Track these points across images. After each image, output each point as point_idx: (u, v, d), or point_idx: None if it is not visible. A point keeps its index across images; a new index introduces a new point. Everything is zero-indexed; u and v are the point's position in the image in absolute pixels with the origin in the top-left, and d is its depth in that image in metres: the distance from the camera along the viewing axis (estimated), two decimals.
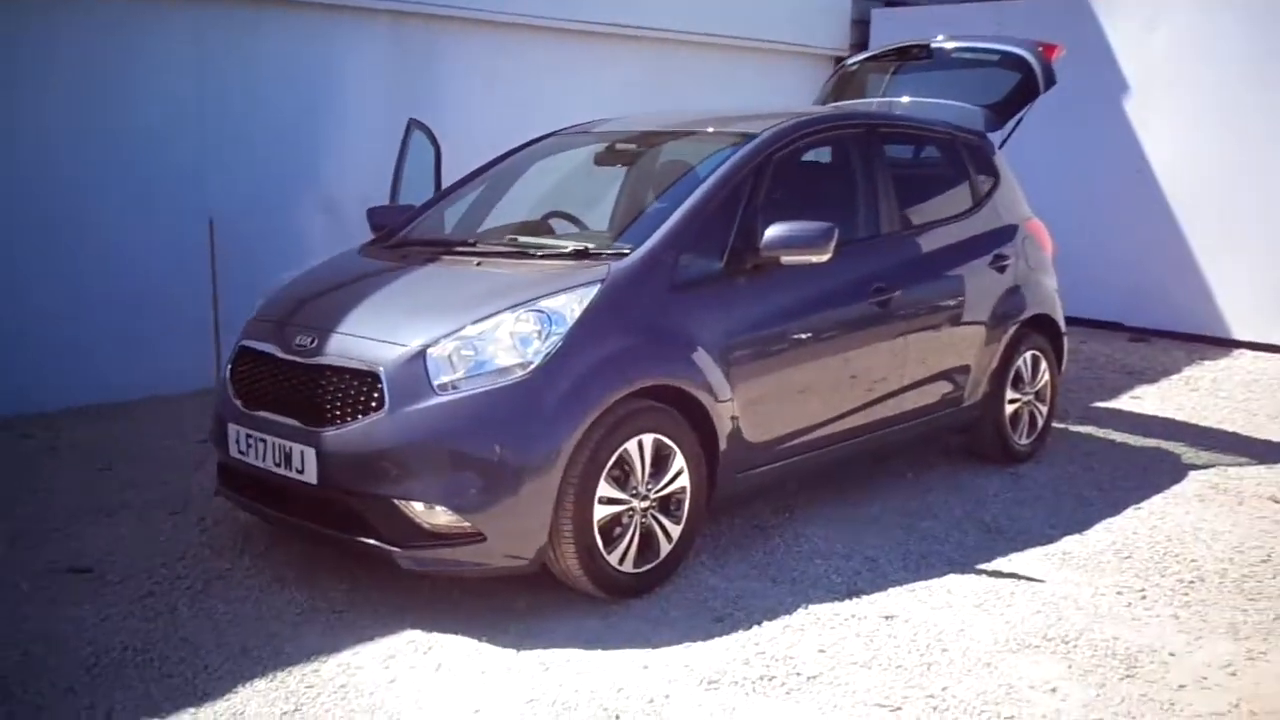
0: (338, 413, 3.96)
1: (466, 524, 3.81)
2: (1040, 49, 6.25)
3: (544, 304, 4.02)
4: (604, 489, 3.96)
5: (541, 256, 4.43)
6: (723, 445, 4.37)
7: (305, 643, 3.79)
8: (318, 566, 4.37)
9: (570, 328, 3.97)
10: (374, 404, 3.89)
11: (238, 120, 7.13)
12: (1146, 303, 9.60)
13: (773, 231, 4.43)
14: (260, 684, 3.51)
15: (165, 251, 6.90)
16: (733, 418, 4.39)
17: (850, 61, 7.08)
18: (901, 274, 5.14)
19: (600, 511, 3.96)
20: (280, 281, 4.75)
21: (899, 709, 3.47)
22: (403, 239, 5.02)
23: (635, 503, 4.07)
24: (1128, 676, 3.72)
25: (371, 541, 3.91)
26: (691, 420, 4.26)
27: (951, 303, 5.44)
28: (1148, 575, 4.56)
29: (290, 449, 4.01)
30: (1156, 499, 5.49)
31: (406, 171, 6.34)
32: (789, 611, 4.08)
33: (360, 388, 3.94)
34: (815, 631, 3.94)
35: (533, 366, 3.88)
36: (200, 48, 6.94)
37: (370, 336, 4.05)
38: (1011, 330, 5.75)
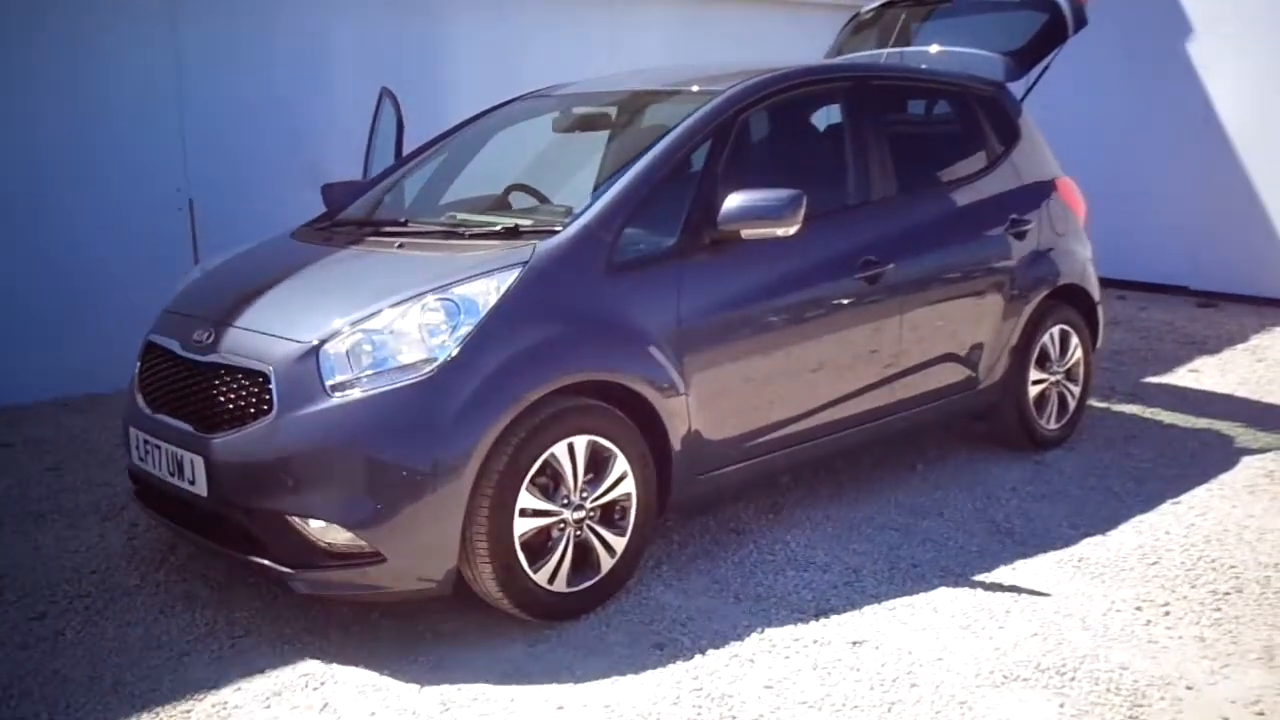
0: (227, 417, 3.54)
1: (363, 543, 3.37)
2: None
3: (456, 291, 3.54)
4: (526, 499, 3.48)
5: (471, 236, 3.95)
6: (675, 446, 3.86)
7: (188, 675, 3.38)
8: (237, 583, 3.97)
9: (483, 317, 3.49)
10: (265, 407, 3.46)
11: (216, 97, 6.74)
12: (1215, 265, 8.85)
13: (731, 202, 3.90)
14: None
15: (142, 237, 6.55)
16: (688, 414, 3.88)
17: (866, 9, 6.46)
18: (897, 245, 4.55)
19: (522, 525, 3.49)
20: (201, 268, 4.33)
21: None
22: (339, 219, 4.57)
23: (567, 514, 3.59)
24: (1131, 718, 3.15)
25: (265, 562, 3.48)
26: (637, 418, 3.76)
27: (958, 275, 4.84)
28: (1175, 585, 3.96)
29: (182, 457, 3.61)
30: (1199, 491, 4.86)
31: (378, 143, 5.90)
32: (742, 637, 3.58)
33: (251, 389, 3.51)
34: (766, 662, 3.43)
35: (436, 363, 3.41)
36: (174, 20, 6.57)
37: (265, 331, 3.61)
38: (1034, 303, 5.13)
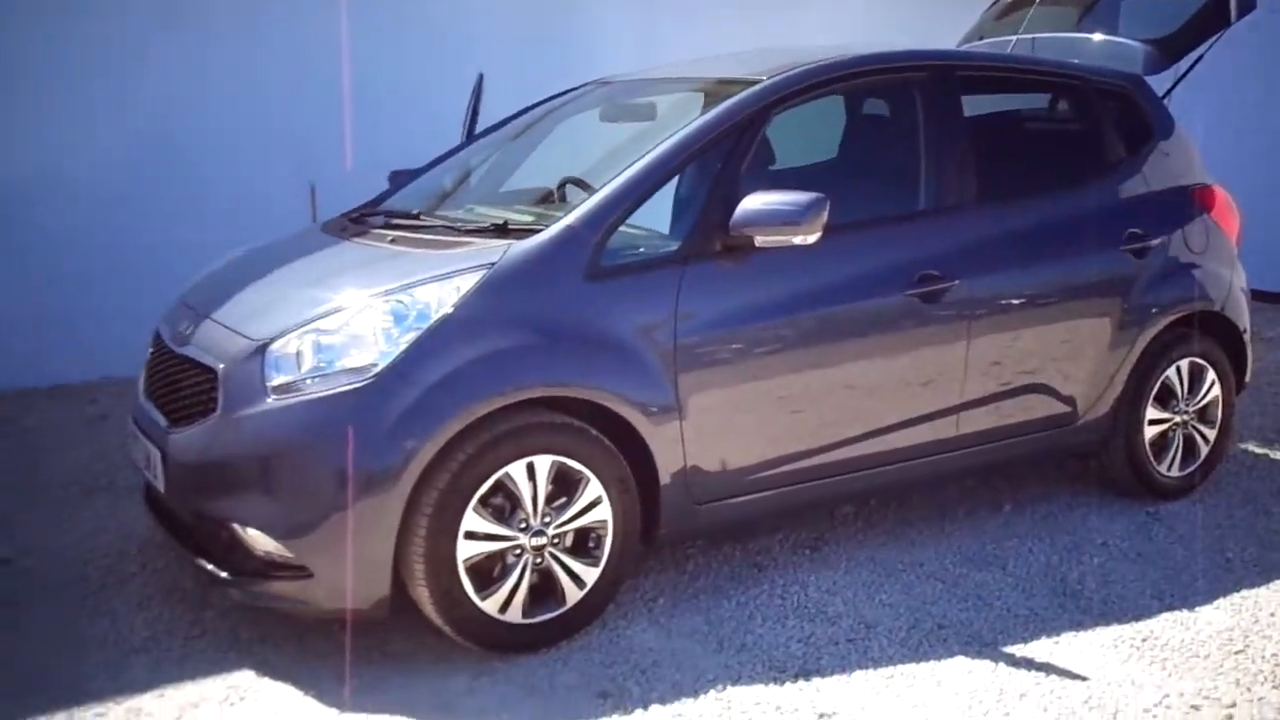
0: (186, 413, 3.44)
1: (290, 554, 3.19)
2: None
3: (412, 293, 3.30)
4: (473, 521, 3.22)
5: (465, 233, 3.71)
6: (665, 472, 3.51)
7: (123, 676, 3.29)
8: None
9: (433, 322, 3.24)
10: (212, 406, 3.33)
11: (341, 85, 6.77)
12: None
13: (745, 205, 3.51)
14: None
15: (264, 221, 6.61)
16: (681, 439, 3.52)
17: None
18: (967, 259, 4.02)
19: (468, 549, 3.23)
20: (226, 257, 4.26)
21: None
22: (371, 210, 4.41)
23: (524, 539, 3.31)
24: None
25: (206, 565, 3.36)
26: (621, 440, 3.44)
27: (1050, 296, 4.25)
28: (1253, 682, 3.32)
29: (149, 449, 3.54)
30: None
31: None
32: (699, 693, 3.20)
33: (205, 386, 3.39)
34: None
35: (378, 369, 3.18)
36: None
37: (229, 326, 3.49)
38: (1153, 331, 4.46)
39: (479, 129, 5.19)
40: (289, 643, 3.47)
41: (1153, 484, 4.61)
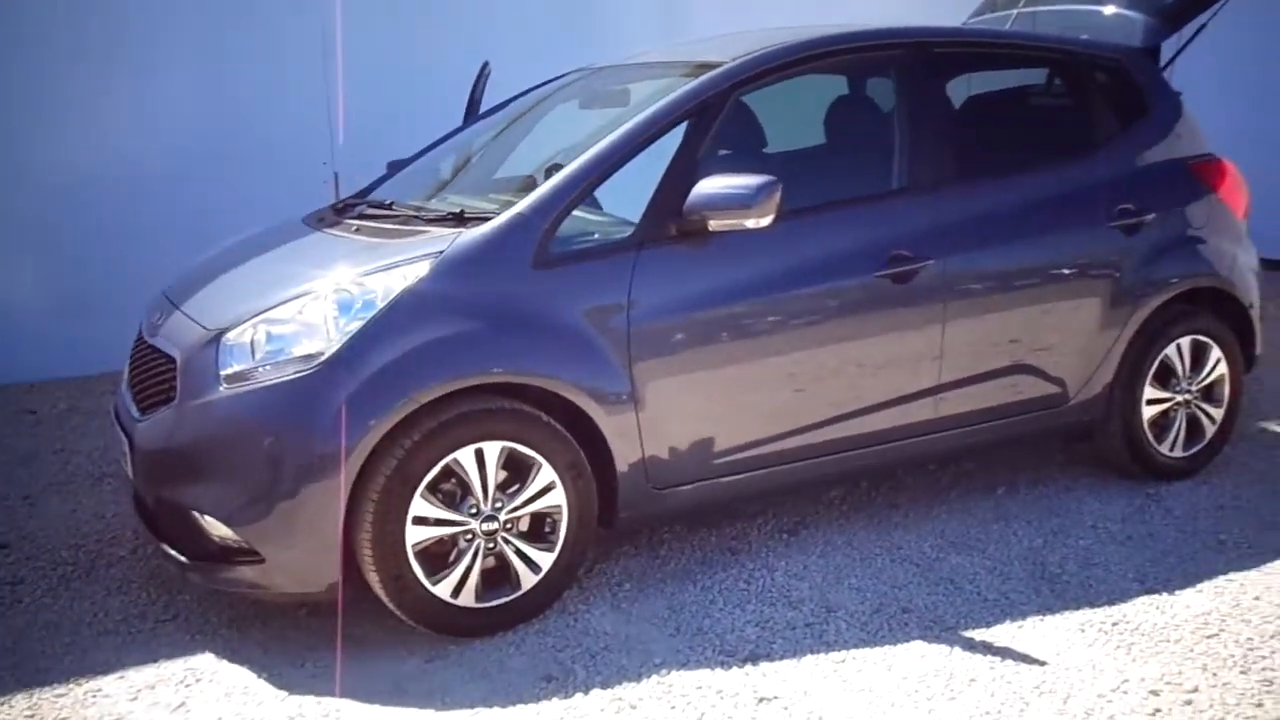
0: (152, 402, 3.53)
1: (243, 540, 3.26)
2: None
3: (361, 282, 3.35)
4: (421, 507, 3.25)
5: (427, 222, 3.74)
6: (621, 463, 3.51)
7: (89, 658, 3.39)
8: None
9: (379, 310, 3.27)
10: (173, 394, 3.41)
11: (364, 73, 6.86)
12: None
13: (699, 189, 3.50)
14: None
15: (287, 211, 6.76)
16: (637, 424, 3.51)
17: None
18: (942, 239, 3.95)
19: (417, 534, 3.27)
20: (213, 250, 4.35)
21: None
22: (358, 199, 4.47)
23: (474, 524, 3.34)
24: None
25: (169, 550, 3.45)
26: (575, 426, 3.45)
27: (1032, 274, 4.16)
28: (1220, 667, 3.24)
29: (121, 438, 3.64)
30: None
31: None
32: (643, 677, 3.20)
33: (167, 374, 3.48)
34: (649, 710, 3.05)
35: (323, 357, 3.23)
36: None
37: (193, 317, 3.57)
38: (1149, 309, 4.35)
39: (473, 114, 5.22)
40: (254, 627, 3.55)
41: (1153, 465, 4.50)
